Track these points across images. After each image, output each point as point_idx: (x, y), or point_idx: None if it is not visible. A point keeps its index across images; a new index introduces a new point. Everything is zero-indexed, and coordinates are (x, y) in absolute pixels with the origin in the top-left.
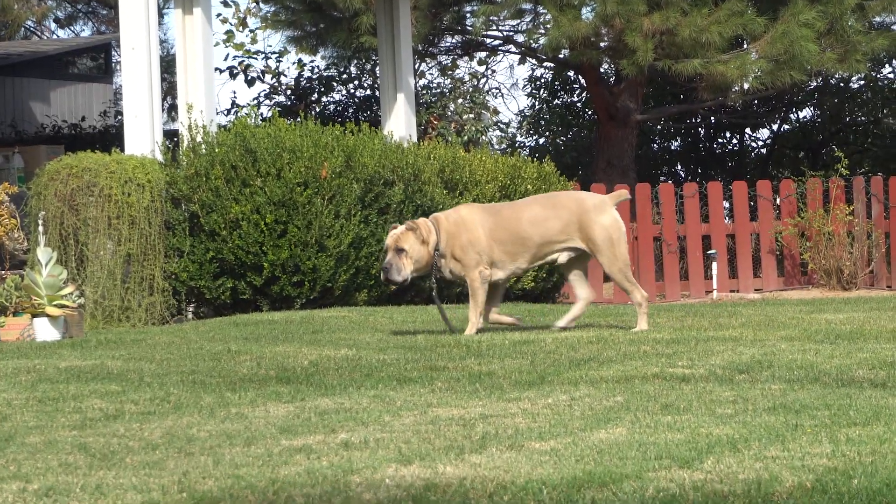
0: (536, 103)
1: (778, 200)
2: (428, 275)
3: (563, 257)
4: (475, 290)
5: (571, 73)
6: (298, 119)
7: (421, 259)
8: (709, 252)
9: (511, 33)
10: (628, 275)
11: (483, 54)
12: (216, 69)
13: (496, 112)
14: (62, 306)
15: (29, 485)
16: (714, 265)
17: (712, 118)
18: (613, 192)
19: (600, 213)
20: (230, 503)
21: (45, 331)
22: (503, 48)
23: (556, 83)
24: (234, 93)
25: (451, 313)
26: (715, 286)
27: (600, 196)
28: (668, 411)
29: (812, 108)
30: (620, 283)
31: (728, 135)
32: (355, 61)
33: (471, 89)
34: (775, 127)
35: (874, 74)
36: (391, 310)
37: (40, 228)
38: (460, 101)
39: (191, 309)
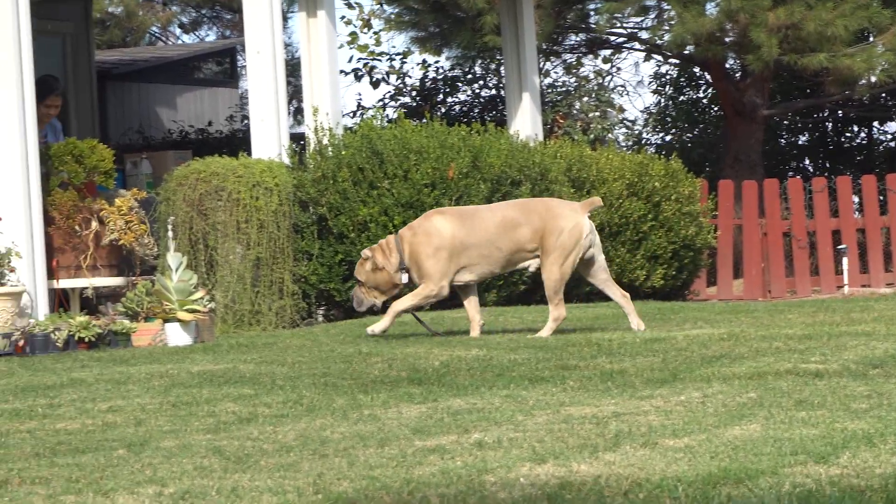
0: (662, 100)
1: None
2: (400, 291)
3: (533, 265)
4: (417, 295)
5: (697, 70)
6: (424, 120)
7: (381, 285)
8: (839, 247)
9: (635, 30)
10: (559, 290)
11: (607, 52)
12: (341, 71)
13: (622, 109)
14: (193, 311)
15: (165, 489)
16: (844, 260)
17: (840, 112)
18: (587, 200)
19: (566, 221)
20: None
21: (176, 336)
22: (628, 45)
23: (682, 79)
24: (360, 95)
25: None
26: (846, 281)
27: (573, 203)
28: (803, 407)
29: None
30: (548, 292)
31: (856, 129)
32: (480, 61)
33: (596, 87)
34: None
35: None
36: (521, 310)
37: (170, 233)
38: (585, 99)
39: (321, 312)
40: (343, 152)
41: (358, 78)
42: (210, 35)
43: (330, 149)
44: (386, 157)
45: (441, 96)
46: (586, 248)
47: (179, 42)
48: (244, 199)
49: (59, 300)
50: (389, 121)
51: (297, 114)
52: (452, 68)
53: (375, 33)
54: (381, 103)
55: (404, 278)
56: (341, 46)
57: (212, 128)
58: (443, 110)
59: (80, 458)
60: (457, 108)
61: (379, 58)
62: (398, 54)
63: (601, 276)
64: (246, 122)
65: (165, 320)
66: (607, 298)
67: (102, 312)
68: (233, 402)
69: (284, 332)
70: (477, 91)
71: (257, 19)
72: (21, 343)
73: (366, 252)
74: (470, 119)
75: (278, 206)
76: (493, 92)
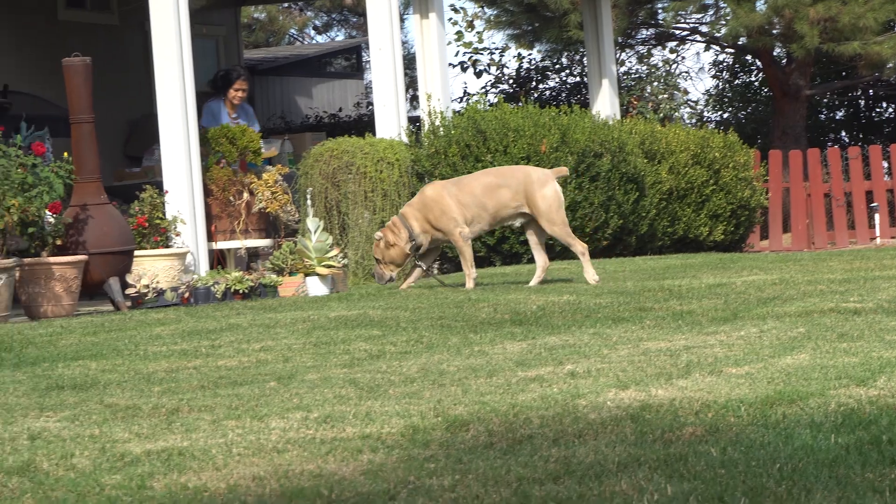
0: (719, 84)
1: None
2: (411, 260)
3: (517, 222)
4: (461, 249)
5: (749, 57)
6: (520, 103)
7: (396, 258)
8: (871, 205)
9: (696, 25)
10: (568, 231)
11: (673, 43)
12: (449, 64)
13: (686, 92)
14: (329, 266)
15: (310, 413)
16: (876, 216)
17: (871, 91)
18: (555, 168)
19: (543, 186)
20: (478, 424)
21: (315, 287)
22: (690, 38)
23: (736, 66)
24: (465, 83)
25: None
26: (878, 233)
27: (544, 170)
28: (844, 339)
29: None
30: (563, 238)
31: (885, 105)
32: (566, 53)
33: (664, 74)
34: None
35: None
36: (604, 261)
37: (308, 202)
38: (655, 84)
39: (436, 266)
40: (452, 131)
41: (464, 69)
42: (339, 35)
43: (441, 129)
44: (488, 134)
45: (534, 83)
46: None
47: (313, 42)
48: (370, 173)
49: (217, 259)
50: (491, 105)
51: (413, 100)
52: (543, 60)
53: (478, 32)
54: (483, 90)
55: (411, 248)
56: (449, 43)
57: (342, 113)
58: (535, 95)
59: (238, 390)
60: (547, 93)
61: (481, 52)
62: (497, 49)
63: (536, 240)
64: (370, 107)
65: (306, 274)
66: (678, 250)
67: (253, 269)
68: (364, 341)
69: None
70: (564, 78)
71: (379, 21)
72: (186, 295)
73: (378, 234)
74: (558, 102)
75: (399, 177)
76: (577, 79)
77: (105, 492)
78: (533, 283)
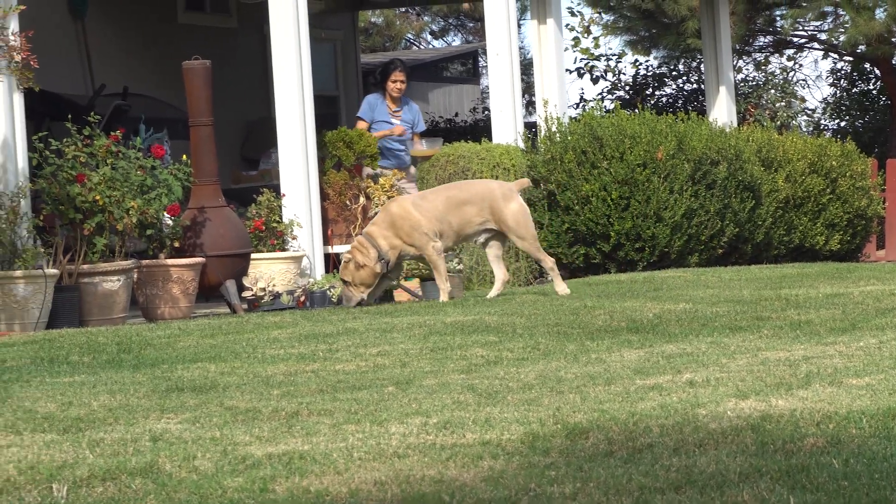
0: (837, 91)
1: None
2: (379, 280)
3: (482, 238)
4: (435, 263)
5: (867, 66)
6: (636, 110)
7: (366, 279)
8: None
9: (815, 33)
10: (538, 246)
11: (791, 51)
12: (566, 70)
13: (803, 100)
14: (447, 271)
15: (429, 419)
16: None
17: None
18: (518, 180)
19: (508, 201)
20: (597, 432)
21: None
22: (808, 45)
23: (854, 74)
24: (582, 89)
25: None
26: None
27: (507, 184)
28: None
29: None
30: (532, 253)
31: None
32: (683, 60)
33: (781, 81)
34: None
35: None
36: (719, 270)
37: None
38: (772, 91)
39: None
40: (569, 137)
41: (580, 75)
42: (456, 40)
43: (557, 135)
44: (605, 141)
45: (650, 90)
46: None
47: (430, 46)
48: (486, 178)
49: (333, 262)
50: (607, 111)
51: (529, 105)
52: (660, 66)
53: (594, 38)
54: (599, 96)
55: (381, 267)
56: (566, 49)
57: (458, 118)
58: (652, 102)
59: (356, 394)
60: (664, 100)
61: (597, 58)
62: (614, 55)
63: (495, 252)
64: (486, 112)
65: (422, 279)
66: (793, 259)
67: None
68: (481, 347)
69: (520, 290)
70: (681, 85)
71: (497, 27)
72: (302, 298)
73: (346, 255)
74: (675, 109)
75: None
76: (694, 86)
77: (227, 494)
78: (491, 295)
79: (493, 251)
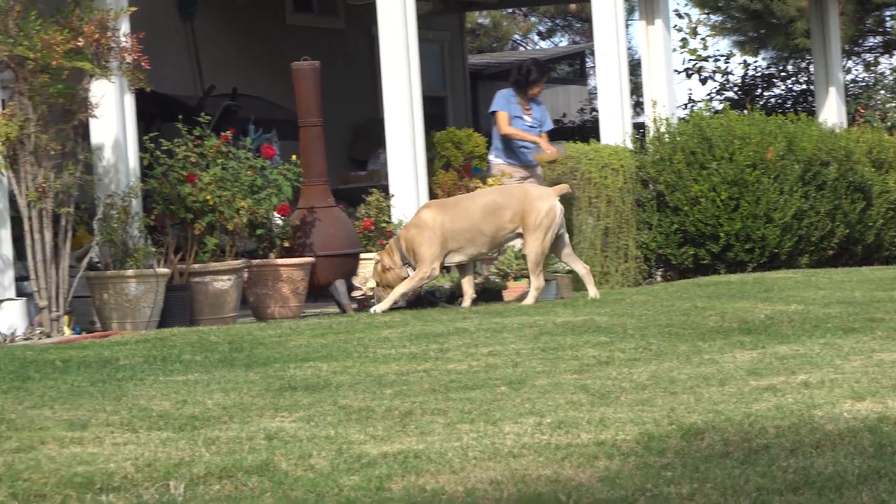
0: None
1: None
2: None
3: (518, 244)
4: (412, 279)
5: None
6: (745, 111)
7: (391, 282)
8: None
9: None
10: (539, 261)
11: None
12: (674, 71)
13: None
14: (554, 272)
15: (543, 419)
16: None
17: None
18: (557, 186)
19: (543, 203)
20: (713, 433)
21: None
22: None
23: None
24: (690, 90)
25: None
26: None
27: (545, 189)
28: None
29: None
30: (531, 265)
31: None
32: (791, 60)
33: (892, 82)
34: None
35: None
36: (830, 271)
37: None
38: (883, 92)
39: (659, 273)
40: (678, 138)
41: (688, 76)
42: (563, 41)
43: (666, 135)
44: (714, 142)
45: (759, 91)
46: (559, 228)
47: (537, 47)
48: (595, 178)
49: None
50: (716, 112)
51: (637, 106)
52: (768, 67)
53: (702, 39)
54: (708, 97)
55: (410, 271)
56: (673, 50)
57: (565, 119)
58: (761, 103)
59: (469, 394)
60: (772, 100)
61: (705, 59)
62: (722, 55)
63: (566, 251)
64: (594, 113)
65: (514, 278)
66: None
67: (478, 273)
68: (592, 347)
69: (629, 290)
70: (790, 86)
71: (605, 27)
72: (412, 298)
73: (375, 256)
74: (784, 110)
75: (623, 183)
76: (804, 87)
77: (344, 493)
78: (592, 294)
79: (563, 252)
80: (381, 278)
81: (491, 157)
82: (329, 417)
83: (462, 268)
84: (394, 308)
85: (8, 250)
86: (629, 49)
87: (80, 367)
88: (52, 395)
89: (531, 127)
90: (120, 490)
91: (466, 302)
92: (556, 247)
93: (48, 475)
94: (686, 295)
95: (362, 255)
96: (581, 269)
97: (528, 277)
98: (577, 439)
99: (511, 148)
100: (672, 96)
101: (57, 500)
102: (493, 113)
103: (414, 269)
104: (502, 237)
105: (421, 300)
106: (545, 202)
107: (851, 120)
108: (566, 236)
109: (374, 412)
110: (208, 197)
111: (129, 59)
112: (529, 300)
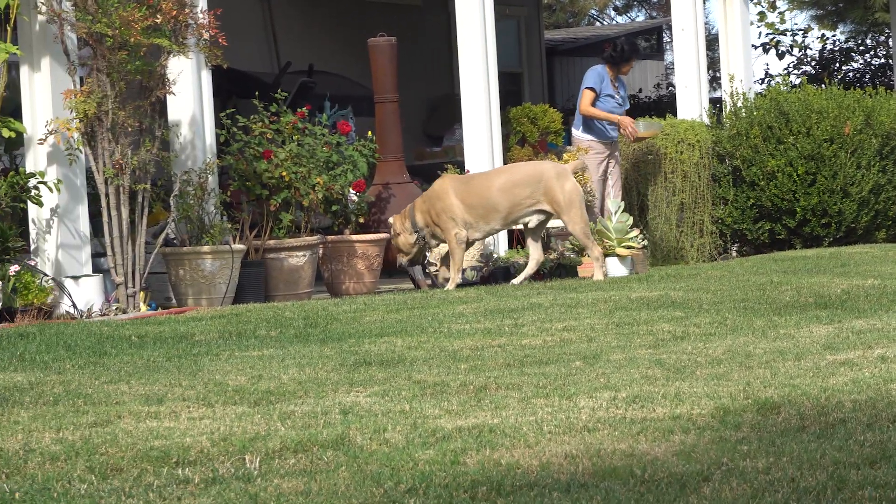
0: None
1: None
2: (418, 250)
3: (533, 220)
4: (452, 250)
5: None
6: (823, 85)
7: (402, 247)
8: None
9: None
10: (587, 232)
11: None
12: (752, 45)
13: None
14: (629, 247)
15: (618, 393)
16: None
17: None
18: (572, 162)
19: (562, 180)
20: (789, 407)
21: (615, 268)
22: None
23: None
24: (767, 65)
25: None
26: None
27: (561, 165)
28: None
29: None
30: (581, 240)
31: None
32: (870, 35)
33: None
34: None
35: None
36: None
37: (609, 183)
38: None
39: (734, 248)
40: (754, 113)
41: (765, 50)
42: (639, 16)
43: (743, 110)
44: (791, 116)
45: (837, 65)
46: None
47: (613, 22)
48: (670, 154)
49: (517, 238)
50: (793, 86)
51: (714, 81)
52: (847, 41)
53: (780, 13)
54: (785, 71)
55: (417, 239)
56: (751, 24)
57: (641, 94)
58: (838, 77)
59: (543, 369)
60: (850, 74)
61: (783, 34)
62: (800, 30)
63: (536, 235)
64: (670, 89)
65: (606, 255)
66: None
67: (553, 249)
68: (667, 322)
69: (704, 266)
70: (868, 60)
71: (682, 2)
72: (486, 274)
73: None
74: (862, 84)
75: (699, 159)
76: (882, 61)
77: (419, 467)
78: (519, 279)
79: (534, 232)
80: (395, 242)
81: (574, 131)
82: (404, 392)
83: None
84: (465, 284)
85: (85, 227)
86: (706, 23)
87: (155, 342)
88: (129, 370)
89: (619, 105)
90: (196, 464)
91: (517, 279)
92: (534, 225)
93: (125, 449)
94: (762, 270)
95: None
96: (538, 255)
97: (605, 253)
98: (651, 413)
99: (595, 124)
100: (749, 71)
101: (133, 474)
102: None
103: (423, 238)
104: (517, 214)
105: (495, 274)
106: (567, 180)
107: None
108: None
109: (449, 387)
110: (284, 173)
111: (206, 35)
112: (598, 275)
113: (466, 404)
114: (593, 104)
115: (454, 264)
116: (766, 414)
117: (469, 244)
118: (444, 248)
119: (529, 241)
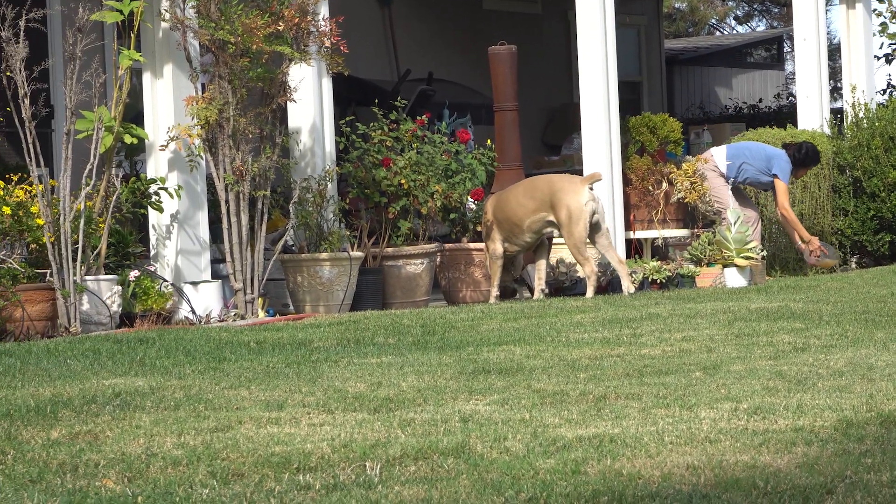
0: None
1: None
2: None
3: (554, 231)
4: (488, 264)
5: None
6: None
7: (489, 263)
8: None
9: None
10: (582, 250)
11: None
12: (874, 56)
13: None
14: (748, 258)
15: (739, 404)
16: None
17: None
18: (588, 174)
19: (567, 194)
20: None
21: (733, 278)
22: None
23: None
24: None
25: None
26: None
27: (573, 178)
28: None
29: None
30: (574, 255)
31: None
32: None
33: None
34: None
35: None
36: None
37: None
38: None
39: (854, 259)
40: (876, 124)
41: (888, 61)
42: (760, 25)
43: (865, 121)
44: None
45: None
46: (591, 215)
47: (734, 32)
48: None
49: (635, 248)
50: None
51: (834, 91)
52: None
53: None
54: None
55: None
56: (873, 35)
57: (761, 104)
58: None
59: (663, 379)
60: None
61: None
62: None
63: (602, 242)
64: (790, 99)
65: (724, 266)
66: None
67: (671, 258)
68: (787, 333)
69: (823, 277)
70: None
71: (805, 12)
72: (604, 283)
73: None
74: None
75: (819, 169)
76: None
77: (539, 475)
78: (623, 288)
79: (598, 241)
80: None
81: (717, 159)
82: (523, 401)
83: (516, 259)
84: (581, 293)
85: (205, 233)
86: (828, 33)
87: (274, 348)
88: (249, 376)
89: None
90: (316, 470)
91: (537, 294)
92: (592, 235)
93: (246, 454)
94: (882, 282)
95: (555, 240)
96: (615, 261)
97: (724, 264)
98: (773, 425)
99: (749, 171)
100: (871, 81)
101: (255, 480)
102: (775, 176)
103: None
104: (537, 227)
105: (612, 284)
106: (573, 194)
107: None
108: (602, 224)
109: (569, 396)
110: (403, 181)
111: (327, 43)
112: (589, 292)
113: (586, 413)
114: (740, 169)
115: (491, 278)
116: (889, 427)
117: (510, 257)
118: (557, 249)
119: (604, 252)
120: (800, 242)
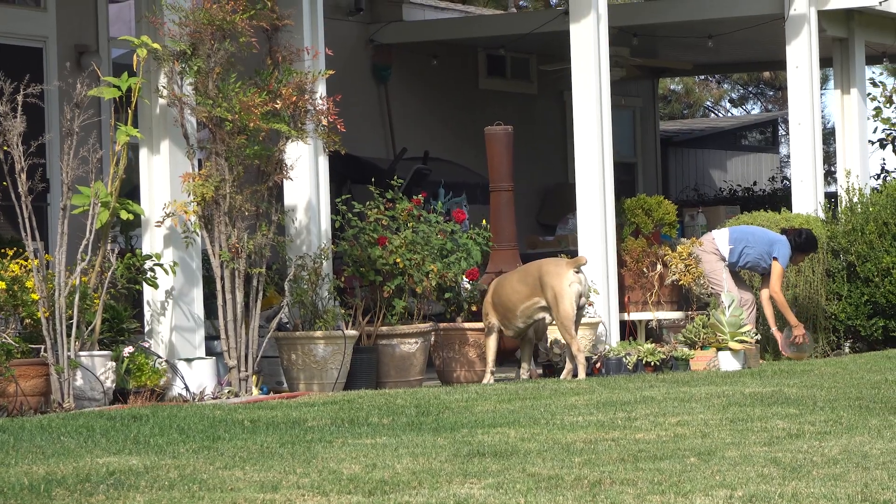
0: None
1: None
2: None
3: (548, 317)
4: (484, 341)
5: None
6: None
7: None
8: None
9: None
10: (569, 327)
11: None
12: (868, 140)
13: None
14: (742, 342)
15: (734, 492)
16: None
17: None
18: (575, 258)
19: (553, 277)
20: None
21: (727, 362)
22: None
23: None
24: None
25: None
26: None
27: (559, 261)
28: None
29: None
30: (562, 333)
31: None
32: None
33: None
34: None
35: None
36: None
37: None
38: None
39: (847, 344)
40: (870, 209)
41: (882, 146)
42: (755, 108)
43: (859, 206)
44: None
45: None
46: (577, 297)
47: (729, 114)
48: None
49: (629, 330)
50: None
51: (828, 175)
52: None
53: None
54: None
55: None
56: (867, 119)
57: (756, 187)
58: None
59: (658, 464)
60: None
61: None
62: None
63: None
64: (785, 182)
65: (718, 349)
66: None
67: (665, 341)
68: (781, 419)
69: (817, 361)
70: None
71: (799, 96)
72: (598, 365)
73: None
74: None
75: (814, 253)
76: None
77: None
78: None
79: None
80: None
81: (718, 242)
82: (518, 485)
83: (521, 341)
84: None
85: (199, 309)
86: (821, 117)
87: (268, 427)
88: (243, 456)
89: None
90: None
91: (524, 374)
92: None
93: None
94: (876, 367)
95: (549, 321)
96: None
97: (718, 347)
98: None
99: (750, 255)
100: (865, 166)
101: None
102: (775, 259)
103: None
104: (529, 312)
105: (606, 366)
106: (560, 277)
107: None
108: (583, 308)
109: (564, 481)
110: (398, 260)
111: (325, 121)
112: (581, 374)
113: (582, 499)
114: (742, 253)
115: (485, 356)
116: None
117: (514, 338)
118: (552, 330)
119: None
120: (775, 329)
